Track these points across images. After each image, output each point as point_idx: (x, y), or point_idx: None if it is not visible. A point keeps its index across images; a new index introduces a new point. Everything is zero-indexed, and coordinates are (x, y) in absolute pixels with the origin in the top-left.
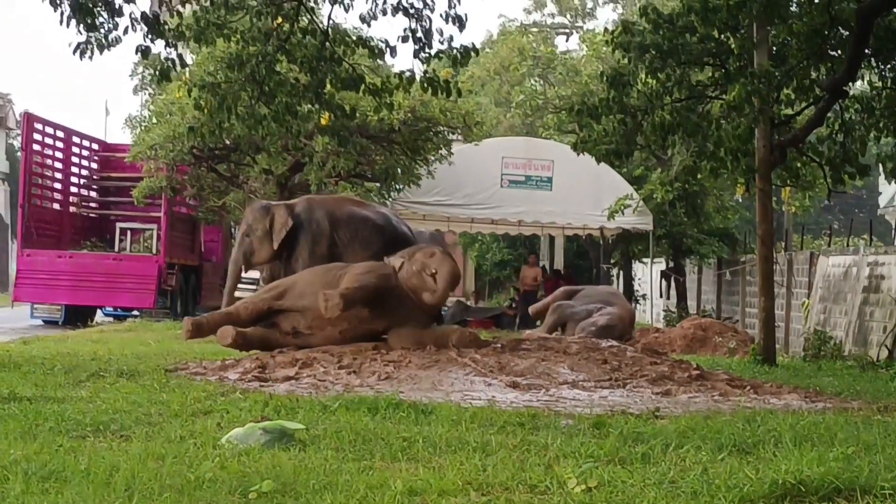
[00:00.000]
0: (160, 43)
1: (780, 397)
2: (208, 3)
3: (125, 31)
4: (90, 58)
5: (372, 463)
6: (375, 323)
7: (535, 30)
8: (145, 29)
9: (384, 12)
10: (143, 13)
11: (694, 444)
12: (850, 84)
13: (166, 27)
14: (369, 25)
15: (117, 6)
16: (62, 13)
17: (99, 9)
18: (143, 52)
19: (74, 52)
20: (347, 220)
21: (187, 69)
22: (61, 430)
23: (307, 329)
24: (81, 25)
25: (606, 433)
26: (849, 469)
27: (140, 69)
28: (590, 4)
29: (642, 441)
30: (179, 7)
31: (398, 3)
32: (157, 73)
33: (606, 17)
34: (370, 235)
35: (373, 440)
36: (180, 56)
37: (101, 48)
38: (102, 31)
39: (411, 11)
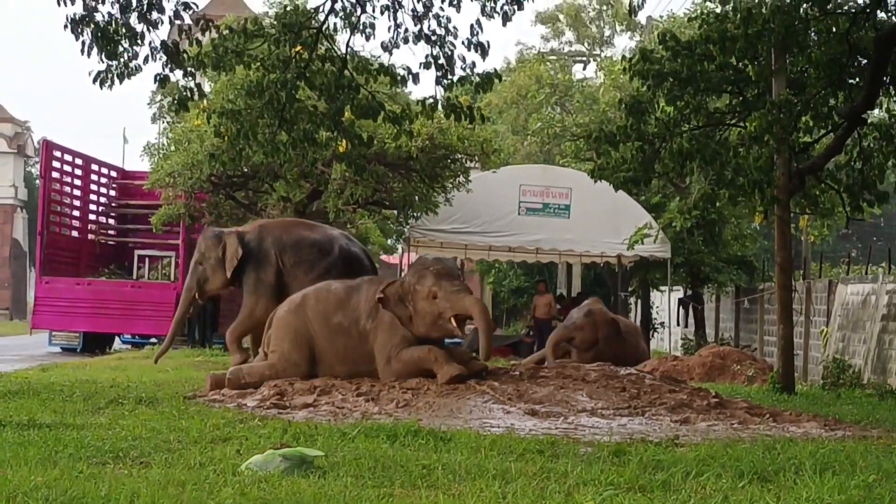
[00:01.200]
0: (178, 71)
1: (800, 425)
2: (227, 31)
3: (145, 60)
4: (110, 87)
5: (392, 490)
6: None
7: (552, 58)
8: (165, 58)
9: (406, 40)
10: (162, 42)
11: (714, 471)
12: (869, 112)
13: (185, 56)
14: (391, 53)
15: (139, 32)
16: (83, 42)
17: (120, 37)
18: (162, 80)
19: (94, 80)
20: (294, 244)
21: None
22: (81, 456)
23: None
24: (103, 54)
25: (626, 461)
26: (869, 497)
27: (158, 97)
28: (607, 32)
29: (662, 469)
30: (199, 36)
31: (420, 31)
32: (175, 102)
33: (624, 45)
34: (314, 259)
35: (392, 467)
36: (199, 86)
37: (121, 77)
38: (123, 59)
39: (434, 38)
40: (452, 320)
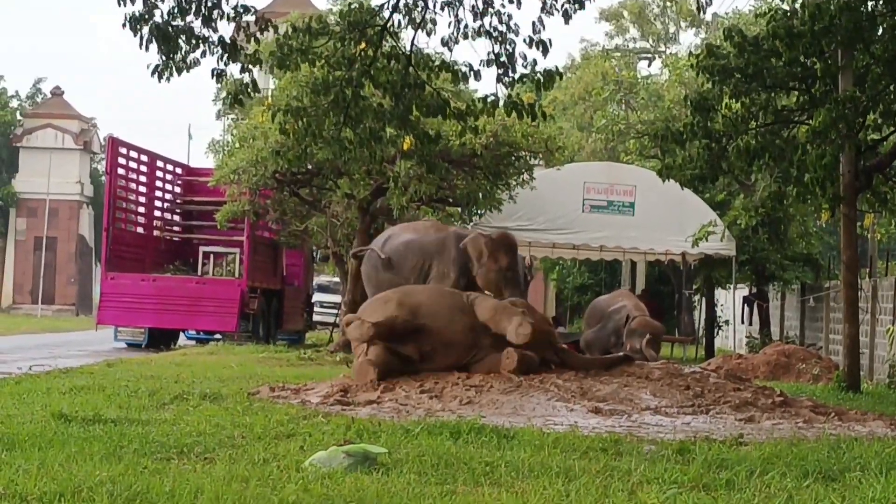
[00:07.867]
0: (235, 66)
1: (865, 424)
2: (291, 30)
3: (203, 54)
4: (168, 79)
5: (455, 487)
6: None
7: (617, 54)
8: (221, 52)
9: (466, 36)
10: (220, 37)
11: (779, 470)
12: None
13: (243, 52)
14: (451, 50)
15: (199, 33)
16: (142, 37)
17: (178, 35)
18: (219, 75)
19: (153, 73)
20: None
21: (269, 93)
22: (146, 451)
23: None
24: (162, 48)
25: (690, 459)
26: None
27: (223, 94)
28: (672, 29)
29: (726, 467)
30: (258, 34)
31: (480, 28)
32: (230, 96)
33: (688, 41)
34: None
35: (455, 464)
36: (254, 81)
37: (179, 70)
38: (181, 53)
39: (495, 35)
40: None
